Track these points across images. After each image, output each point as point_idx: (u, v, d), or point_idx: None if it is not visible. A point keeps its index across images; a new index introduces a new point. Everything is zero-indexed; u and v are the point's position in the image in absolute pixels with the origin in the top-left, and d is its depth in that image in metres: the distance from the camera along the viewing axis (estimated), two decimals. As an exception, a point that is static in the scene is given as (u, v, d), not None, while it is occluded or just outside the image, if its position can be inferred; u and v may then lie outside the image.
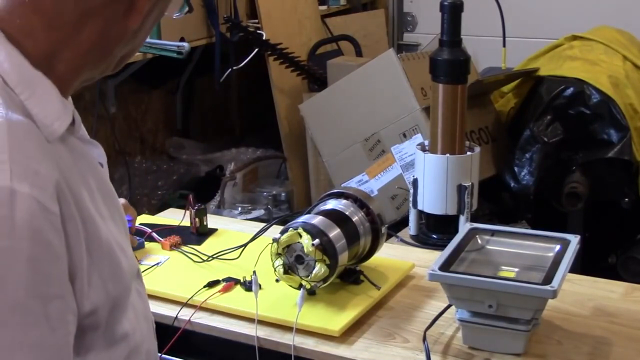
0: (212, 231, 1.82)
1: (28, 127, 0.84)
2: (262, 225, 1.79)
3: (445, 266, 1.34)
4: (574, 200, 2.34)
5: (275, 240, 1.44)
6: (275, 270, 1.45)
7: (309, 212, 1.55)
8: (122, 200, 1.68)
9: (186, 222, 1.84)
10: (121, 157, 2.86)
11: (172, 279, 1.60)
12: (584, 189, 2.34)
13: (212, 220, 1.86)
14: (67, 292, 0.84)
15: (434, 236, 1.93)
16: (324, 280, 1.43)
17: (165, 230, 1.79)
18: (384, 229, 1.58)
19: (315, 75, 2.97)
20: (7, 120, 0.82)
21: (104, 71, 0.97)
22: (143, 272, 1.61)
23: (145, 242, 1.75)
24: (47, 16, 0.86)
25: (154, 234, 1.77)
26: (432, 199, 1.90)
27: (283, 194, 2.96)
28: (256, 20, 2.95)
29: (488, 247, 1.47)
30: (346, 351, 1.35)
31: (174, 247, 1.72)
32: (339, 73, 2.70)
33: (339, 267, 1.46)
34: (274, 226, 1.69)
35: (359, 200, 1.57)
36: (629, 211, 2.37)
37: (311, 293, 1.47)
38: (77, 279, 0.85)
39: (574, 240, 1.41)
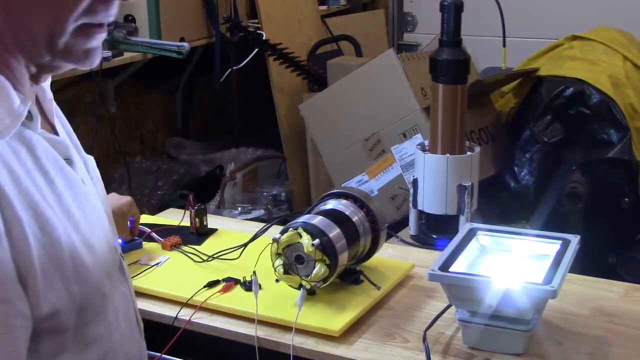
0: (212, 231, 1.82)
1: None
2: (262, 225, 1.78)
3: (445, 266, 1.34)
4: (574, 200, 2.34)
5: (275, 240, 1.44)
6: (275, 270, 1.45)
7: (309, 212, 1.55)
8: (128, 198, 1.68)
9: (186, 222, 1.84)
10: (121, 157, 2.86)
11: (172, 279, 1.60)
12: (584, 189, 2.33)
13: (212, 220, 1.86)
14: (13, 296, 0.81)
15: (434, 236, 1.93)
16: (324, 280, 1.43)
17: (165, 230, 1.80)
18: (384, 229, 1.58)
19: (315, 75, 2.97)
20: None
21: (38, 54, 0.89)
22: (143, 272, 1.61)
23: (146, 242, 1.75)
24: None
25: (154, 234, 1.77)
26: (432, 199, 1.89)
27: (283, 194, 2.96)
28: (256, 20, 2.95)
29: (488, 247, 1.47)
30: (346, 351, 1.35)
31: (174, 247, 1.72)
32: (339, 73, 2.70)
33: (339, 267, 1.46)
34: (274, 226, 1.69)
35: (359, 200, 1.57)
36: (629, 211, 2.37)
37: (311, 293, 1.47)
38: (28, 281, 0.83)
39: (574, 240, 1.41)
